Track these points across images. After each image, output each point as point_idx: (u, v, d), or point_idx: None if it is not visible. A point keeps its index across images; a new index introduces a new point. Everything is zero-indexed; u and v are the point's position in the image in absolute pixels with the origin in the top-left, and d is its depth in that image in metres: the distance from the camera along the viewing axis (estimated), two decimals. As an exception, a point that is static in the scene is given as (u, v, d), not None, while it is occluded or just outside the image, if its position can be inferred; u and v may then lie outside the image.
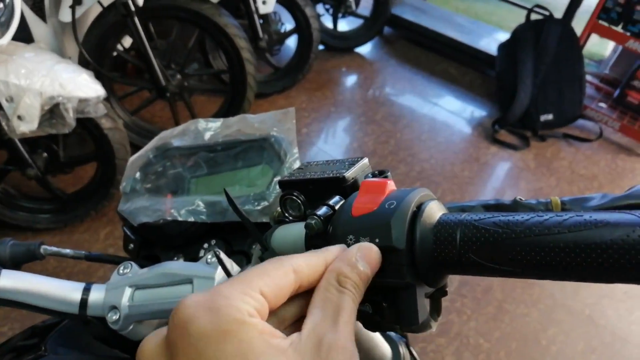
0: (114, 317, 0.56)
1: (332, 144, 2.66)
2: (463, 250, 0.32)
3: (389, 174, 0.42)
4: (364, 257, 0.33)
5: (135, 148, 2.20)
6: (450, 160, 2.65)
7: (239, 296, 0.28)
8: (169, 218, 0.64)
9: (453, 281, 2.09)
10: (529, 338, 1.94)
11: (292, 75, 2.82)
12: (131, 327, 0.56)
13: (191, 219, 0.63)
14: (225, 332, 0.26)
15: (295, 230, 0.41)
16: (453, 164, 2.63)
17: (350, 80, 3.20)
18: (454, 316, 1.97)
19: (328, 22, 3.33)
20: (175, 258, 0.70)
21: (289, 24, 2.80)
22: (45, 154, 1.87)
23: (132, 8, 1.88)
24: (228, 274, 0.51)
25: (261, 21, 2.52)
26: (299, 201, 0.43)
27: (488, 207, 0.49)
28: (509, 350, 1.88)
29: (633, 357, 1.91)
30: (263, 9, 2.42)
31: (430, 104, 3.06)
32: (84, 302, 0.58)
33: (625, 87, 3.07)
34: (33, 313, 0.60)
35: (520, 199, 0.48)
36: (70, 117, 1.68)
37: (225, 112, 2.31)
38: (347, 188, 0.41)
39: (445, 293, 0.39)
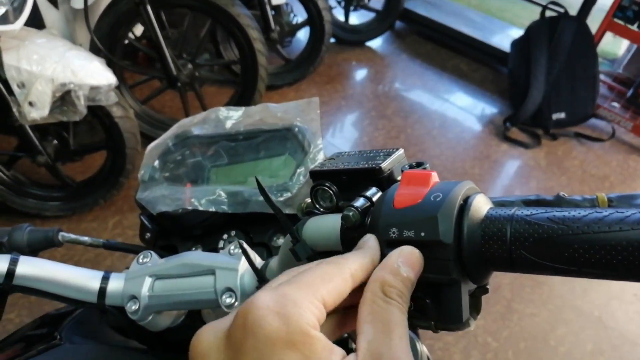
0: (134, 307, 0.54)
1: (341, 138, 2.64)
2: (514, 247, 0.31)
3: (427, 165, 0.40)
4: (406, 262, 0.32)
5: (145, 137, 2.20)
6: (460, 156, 2.63)
7: (307, 305, 0.28)
8: (189, 207, 0.62)
9: (462, 279, 2.07)
10: (537, 338, 1.92)
11: (303, 68, 2.80)
12: (150, 317, 0.55)
13: (212, 209, 0.61)
14: (292, 342, 0.26)
15: (330, 222, 0.40)
16: (463, 160, 2.61)
17: (361, 74, 3.17)
18: (462, 314, 1.96)
19: (340, 15, 3.30)
20: (194, 248, 0.68)
21: (300, 16, 2.77)
22: (55, 142, 1.86)
23: (145, -4, 1.86)
24: (253, 265, 0.50)
25: (273, 12, 2.50)
26: (331, 192, 0.42)
27: (529, 203, 0.48)
28: (517, 349, 1.87)
29: (642, 359, 1.90)
30: (275, 0, 2.40)
31: (441, 100, 3.03)
32: (102, 291, 0.57)
33: (638, 87, 3.04)
34: (41, 300, 0.59)
35: (564, 195, 0.46)
36: (82, 104, 1.67)
37: (235, 103, 2.30)
38: (383, 180, 0.40)
39: (486, 290, 0.37)
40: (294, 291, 0.28)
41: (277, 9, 2.59)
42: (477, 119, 2.95)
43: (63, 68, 1.64)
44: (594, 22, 2.86)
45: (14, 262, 0.54)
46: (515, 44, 2.97)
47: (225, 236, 0.66)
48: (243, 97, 2.28)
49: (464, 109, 3.00)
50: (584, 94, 2.83)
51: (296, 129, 0.63)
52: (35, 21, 1.97)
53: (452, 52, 3.42)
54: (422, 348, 0.76)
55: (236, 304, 0.51)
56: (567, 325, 1.98)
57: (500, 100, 3.09)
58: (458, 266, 0.32)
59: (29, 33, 1.67)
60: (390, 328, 0.29)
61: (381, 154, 0.42)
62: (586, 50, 2.79)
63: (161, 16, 2.09)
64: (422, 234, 0.32)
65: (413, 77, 3.19)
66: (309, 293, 0.29)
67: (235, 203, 0.61)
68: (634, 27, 2.74)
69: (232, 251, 0.54)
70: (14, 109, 1.60)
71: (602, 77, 3.24)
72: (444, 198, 0.32)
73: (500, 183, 2.56)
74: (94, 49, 2.03)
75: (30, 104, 1.61)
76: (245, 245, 0.51)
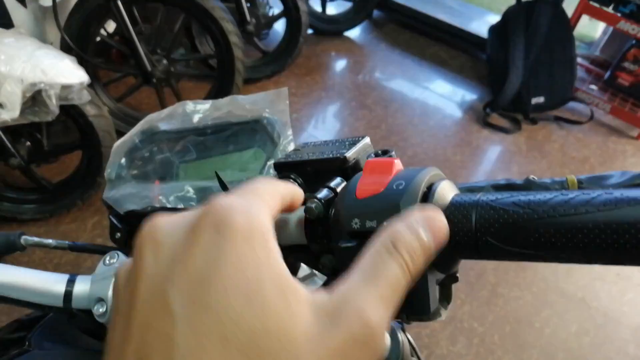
0: (101, 310, 0.52)
1: (322, 129, 2.62)
2: (480, 234, 0.30)
3: (393, 153, 0.39)
4: (428, 226, 0.28)
5: (121, 135, 2.15)
6: (442, 144, 2.64)
7: (265, 209, 0.28)
8: (157, 205, 0.60)
9: (446, 266, 2.08)
10: (522, 321, 1.94)
11: (281, 60, 2.77)
12: (119, 320, 0.53)
13: (180, 206, 0.60)
14: (252, 238, 0.25)
15: (294, 216, 0.38)
16: (445, 148, 2.62)
17: (340, 64, 3.16)
18: (448, 301, 1.97)
19: (317, 6, 3.27)
20: None
21: (277, 8, 2.74)
22: (28, 143, 1.82)
23: (115, -9, 1.82)
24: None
25: (248, 4, 2.46)
26: (297, 183, 0.40)
27: (499, 187, 0.47)
28: (503, 333, 1.88)
29: (625, 338, 1.92)
30: (250, -8, 2.37)
31: (421, 88, 3.03)
32: (68, 295, 0.55)
33: (615, 69, 3.06)
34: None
35: (534, 178, 0.45)
36: (53, 104, 1.63)
37: (213, 98, 2.25)
38: (348, 169, 0.39)
39: (456, 279, 0.36)
40: (250, 198, 0.28)
41: (252, 1, 2.56)
42: (457, 106, 2.95)
43: (32, 67, 1.59)
44: (570, 5, 2.87)
45: (-28, 269, 0.52)
46: (493, 29, 2.98)
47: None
48: (220, 92, 2.25)
49: (444, 96, 3.00)
50: (562, 78, 2.85)
51: (265, 121, 0.61)
52: (4, 20, 1.92)
53: (431, 40, 3.42)
54: (404, 337, 0.76)
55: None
56: (551, 307, 1.99)
57: (480, 87, 3.10)
58: None
59: (-5, 32, 1.63)
60: (379, 284, 0.25)
61: (346, 142, 0.41)
62: (563, 33, 2.80)
63: (133, 11, 2.04)
64: (385, 224, 0.31)
65: (392, 66, 3.18)
66: (260, 197, 0.28)
67: (204, 199, 0.59)
68: (609, 9, 2.75)
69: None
70: (-17, 111, 1.56)
71: (579, 60, 3.26)
72: (406, 186, 0.31)
73: (482, 169, 2.57)
74: (65, 47, 1.98)
75: (0, 105, 1.57)
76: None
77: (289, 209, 0.34)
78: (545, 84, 2.83)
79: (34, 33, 2.04)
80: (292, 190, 0.34)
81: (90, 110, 1.77)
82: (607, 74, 3.12)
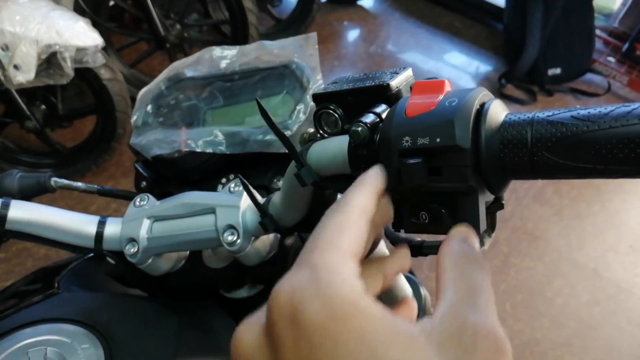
0: (132, 250, 0.53)
1: (335, 99, 2.61)
2: (536, 149, 0.29)
3: (440, 78, 0.38)
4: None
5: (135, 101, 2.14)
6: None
7: (344, 268, 0.24)
8: (185, 149, 0.60)
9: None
10: (534, 290, 1.94)
11: (294, 28, 2.73)
12: (150, 260, 0.54)
13: (209, 150, 0.59)
14: (343, 319, 0.21)
15: (336, 143, 0.38)
16: (459, 118, 2.59)
17: (354, 33, 3.11)
18: (460, 269, 1.97)
19: (330, -27, 3.22)
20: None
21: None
22: (43, 107, 1.82)
23: (129, -48, 1.79)
24: (254, 200, 0.48)
25: (262, -30, 2.43)
26: (336, 115, 0.40)
27: None
28: (515, 302, 1.89)
29: (637, 308, 1.92)
30: (264, -43, 2.33)
31: (434, 59, 2.99)
32: (99, 236, 0.55)
33: (634, 41, 3.00)
34: (39, 264, 0.57)
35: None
36: (68, 66, 1.62)
37: (226, 64, 2.25)
38: (391, 98, 0.38)
39: (502, 206, 0.36)
40: (318, 258, 0.24)
41: (266, -34, 2.52)
42: (471, 76, 2.91)
43: (47, 29, 1.58)
44: (590, -26, 2.80)
45: (4, 207, 0.52)
46: (510, -2, 2.92)
47: (223, 180, 0.64)
48: (234, 58, 2.23)
49: (458, 67, 2.96)
50: (580, 49, 2.80)
51: (294, 66, 0.60)
52: (16, -18, 1.89)
53: (446, 10, 3.35)
54: (426, 293, 0.76)
55: (238, 240, 0.49)
56: (563, 277, 2.00)
57: (495, 57, 3.05)
58: (476, 174, 0.30)
59: (10, -7, 1.61)
60: (478, 293, 0.25)
61: (388, 73, 0.40)
62: (582, 3, 2.74)
63: (147, -26, 2.01)
64: (438, 140, 0.30)
65: (406, 35, 3.13)
66: (334, 252, 0.25)
67: (233, 143, 0.59)
68: (631, -22, 2.68)
69: (232, 189, 0.52)
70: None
71: (597, 32, 3.19)
72: (459, 102, 0.31)
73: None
74: (79, 10, 1.96)
75: (15, 67, 1.56)
76: (246, 181, 0.50)
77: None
78: (562, 55, 2.78)
79: (47, -4, 2.02)
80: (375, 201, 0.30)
81: (104, 74, 1.77)
82: (625, 46, 3.05)
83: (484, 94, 0.32)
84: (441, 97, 0.32)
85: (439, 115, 0.30)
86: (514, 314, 1.85)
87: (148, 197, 0.56)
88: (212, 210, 0.51)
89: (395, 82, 0.38)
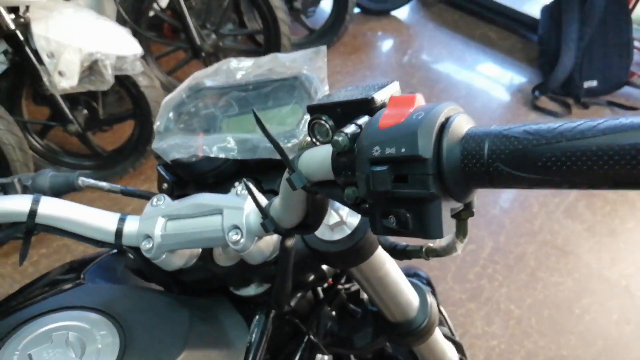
0: (148, 246, 0.57)
1: (366, 108, 2.63)
2: (491, 160, 0.32)
3: (419, 95, 0.41)
4: None
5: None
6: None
7: None
8: (201, 154, 0.65)
9: (485, 247, 2.07)
10: (561, 306, 1.91)
11: (327, 38, 2.78)
12: (164, 256, 0.58)
13: (222, 155, 0.64)
14: None
15: (323, 151, 0.41)
16: (490, 130, 2.57)
17: (386, 44, 3.14)
18: (485, 282, 1.96)
19: (365, -16, 3.26)
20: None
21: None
22: (85, 111, 1.92)
23: (169, -34, 1.88)
24: (257, 203, 0.52)
25: (297, -19, 2.49)
26: (327, 126, 0.43)
27: None
28: (541, 317, 1.86)
29: (670, 329, 1.86)
30: (299, -31, 2.39)
31: (467, 69, 2.98)
32: (119, 232, 0.60)
33: (677, 53, 2.91)
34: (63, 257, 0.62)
35: None
36: (109, 73, 1.71)
37: (259, 73, 2.31)
38: (375, 110, 0.41)
39: (471, 213, 0.38)
40: None
41: (300, -22, 2.58)
42: (504, 88, 2.89)
43: (90, 38, 1.68)
44: (630, -15, 2.74)
45: (35, 202, 0.58)
46: (546, 9, 2.88)
47: (236, 184, 0.68)
48: (266, 67, 2.29)
49: (492, 78, 2.94)
50: (617, 61, 2.74)
51: (303, 78, 0.64)
52: (64, -7, 2.02)
53: (481, 21, 3.34)
54: (433, 301, 0.78)
55: (242, 240, 0.53)
56: (592, 294, 1.95)
57: (530, 69, 3.02)
58: (437, 181, 0.33)
59: (57, 4, 1.71)
60: None
61: (376, 86, 0.43)
62: (620, 15, 2.68)
63: (185, -13, 2.10)
64: (403, 150, 0.33)
65: (439, 46, 3.13)
66: None
67: (244, 149, 0.63)
68: (673, -11, 2.61)
69: (239, 192, 0.56)
70: (45, 79, 1.66)
71: (636, 43, 3.11)
72: (425, 116, 0.33)
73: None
74: (120, 21, 2.07)
75: (60, 73, 1.66)
76: (250, 185, 0.53)
77: None
78: (598, 67, 2.72)
79: (91, 5, 2.13)
80: None
81: (142, 81, 1.85)
82: (667, 59, 2.97)
83: (450, 109, 0.35)
84: (411, 110, 0.35)
85: (405, 127, 0.33)
86: (540, 330, 1.82)
87: (164, 197, 0.60)
88: (219, 211, 0.55)
89: (378, 96, 0.41)
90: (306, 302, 0.77)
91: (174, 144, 0.67)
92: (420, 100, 0.37)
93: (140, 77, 1.84)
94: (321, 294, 0.79)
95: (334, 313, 0.82)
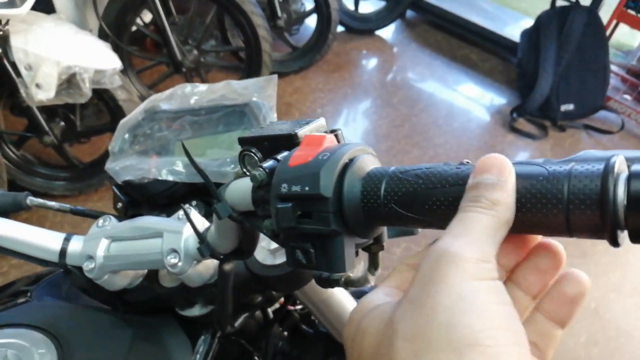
0: (90, 266, 0.58)
1: (345, 126, 2.66)
2: (386, 201, 0.33)
3: (339, 132, 0.43)
4: (484, 169, 0.31)
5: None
6: (464, 146, 2.63)
7: None
8: (151, 177, 0.66)
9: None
10: (531, 327, 1.93)
11: (310, 56, 2.82)
12: (106, 276, 0.59)
13: (171, 178, 0.65)
14: None
15: (246, 183, 0.43)
16: (467, 150, 2.61)
17: (369, 62, 3.18)
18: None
19: (350, 4, 3.30)
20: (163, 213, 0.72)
21: (309, 4, 2.79)
22: (62, 123, 1.93)
23: (150, -18, 1.91)
24: (195, 229, 0.53)
25: (280, 0, 2.52)
26: (256, 158, 0.45)
27: None
28: (510, 337, 1.88)
29: (637, 352, 1.89)
30: (282, -12, 2.43)
31: (448, 89, 3.03)
32: (63, 251, 0.61)
33: (652, 80, 2.98)
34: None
35: (467, 162, 0.48)
36: (87, 87, 1.72)
37: (240, 89, 2.33)
38: (298, 145, 0.43)
39: (381, 247, 0.40)
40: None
41: (284, -4, 2.62)
42: (484, 109, 2.93)
43: (69, 51, 1.69)
44: (607, 12, 2.81)
45: (-21, 222, 0.59)
46: (525, 33, 2.95)
47: (187, 206, 0.70)
48: (247, 83, 2.31)
49: (472, 98, 2.99)
50: (594, 86, 2.80)
51: (253, 105, 0.66)
52: (46, 6, 2.03)
53: (463, 42, 3.40)
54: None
55: (179, 263, 0.54)
56: (562, 315, 1.97)
57: (510, 91, 3.07)
58: (339, 219, 0.35)
59: (37, 17, 1.73)
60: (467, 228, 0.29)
61: (302, 122, 0.45)
62: (597, 41, 2.75)
63: (168, 3, 2.13)
64: (307, 188, 0.35)
65: (421, 66, 3.18)
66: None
67: (192, 173, 0.64)
68: (647, 18, 2.69)
69: (180, 216, 0.58)
70: (22, 91, 1.67)
71: (615, 68, 3.19)
72: (329, 157, 0.35)
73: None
74: (103, 35, 2.09)
75: (37, 85, 1.67)
76: (191, 211, 0.55)
77: None
78: (575, 91, 2.78)
79: (74, 19, 2.15)
80: None
81: (120, 95, 1.87)
82: (642, 84, 3.04)
83: (356, 150, 0.37)
84: (319, 150, 0.37)
85: (310, 167, 0.35)
86: (508, 350, 1.84)
87: (110, 218, 0.62)
88: (160, 234, 0.57)
89: (301, 132, 0.43)
90: (255, 322, 0.78)
91: (126, 165, 0.69)
92: (329, 140, 0.38)
93: (119, 91, 1.85)
94: (271, 315, 0.80)
95: (285, 333, 0.83)
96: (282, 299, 0.81)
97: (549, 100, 2.78)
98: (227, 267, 0.57)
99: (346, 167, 0.36)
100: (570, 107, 2.80)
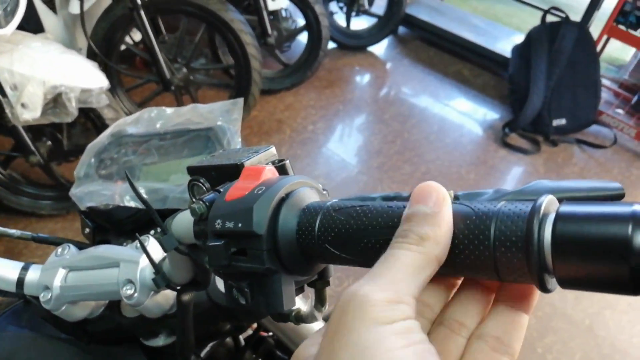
0: (47, 297, 0.57)
1: (337, 142, 2.65)
2: (320, 241, 0.32)
3: (286, 162, 0.42)
4: (419, 198, 0.29)
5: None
6: (457, 162, 2.62)
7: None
8: (114, 204, 0.65)
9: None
10: (524, 345, 1.89)
11: (301, 73, 2.82)
12: (64, 307, 0.57)
13: (133, 205, 0.64)
14: None
15: (189, 215, 0.41)
16: (459, 166, 2.60)
17: (361, 79, 3.19)
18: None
19: (341, 21, 3.32)
20: (125, 244, 0.71)
21: (301, 21, 2.80)
22: (49, 142, 1.92)
23: (138, 2, 1.91)
24: (150, 259, 0.52)
25: (271, 17, 2.53)
26: (204, 188, 0.43)
27: (388, 199, 0.48)
28: (502, 356, 1.85)
29: (632, 370, 1.86)
30: (272, 5, 2.43)
31: (440, 105, 3.02)
32: (20, 281, 0.59)
33: (644, 94, 2.99)
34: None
35: None
36: (73, 106, 1.71)
37: (230, 106, 2.33)
38: None
39: (327, 283, 0.38)
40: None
41: (274, 14, 2.62)
42: (476, 124, 2.93)
43: (55, 71, 1.69)
44: (598, 27, 2.82)
45: None
46: (516, 49, 2.95)
47: (152, 232, 0.68)
48: (237, 101, 2.31)
49: (464, 114, 2.99)
50: (586, 100, 2.80)
51: (217, 129, 0.65)
52: (34, 26, 2.03)
53: (455, 58, 3.41)
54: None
55: (135, 295, 0.53)
56: (556, 333, 1.95)
57: (502, 106, 3.07)
58: (274, 257, 0.33)
59: (24, 37, 1.73)
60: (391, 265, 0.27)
61: (251, 151, 0.44)
62: (587, 56, 2.75)
63: (158, 22, 2.13)
64: (240, 225, 0.33)
65: (414, 82, 3.18)
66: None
67: (155, 199, 0.63)
68: (637, 33, 2.69)
69: (137, 245, 0.56)
70: (7, 111, 1.66)
71: (607, 83, 3.19)
72: (264, 192, 0.34)
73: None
74: (91, 54, 2.09)
75: (23, 105, 1.66)
76: (149, 240, 0.53)
77: None
78: (567, 106, 2.78)
79: (63, 39, 2.15)
80: None
81: (107, 114, 1.86)
82: (634, 98, 3.04)
83: (295, 183, 0.35)
84: (257, 183, 0.35)
85: (245, 202, 0.34)
86: (501, 369, 1.81)
87: (69, 247, 0.60)
88: (117, 264, 0.55)
89: (248, 162, 0.41)
90: (225, 350, 0.76)
91: (90, 191, 0.68)
92: (269, 172, 0.37)
93: (106, 110, 1.84)
94: (242, 342, 0.78)
95: (259, 360, 0.81)
96: (254, 325, 0.79)
97: (541, 115, 2.77)
98: (186, 297, 0.55)
99: (282, 201, 0.34)
100: (562, 121, 2.80)
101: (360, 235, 0.30)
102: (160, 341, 0.65)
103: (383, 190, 2.36)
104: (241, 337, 0.79)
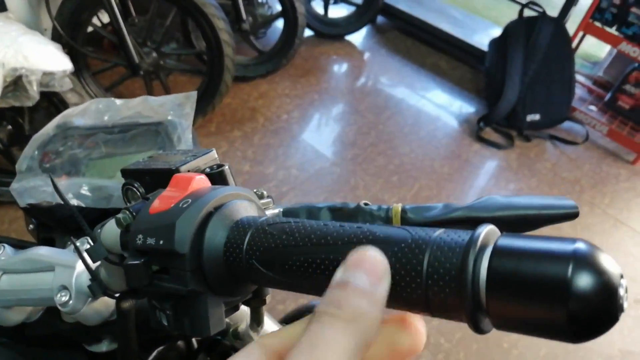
0: None
1: (311, 132, 2.62)
2: (248, 256, 0.29)
3: (225, 168, 0.39)
4: (353, 265, 0.24)
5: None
6: (430, 155, 2.62)
7: None
8: (56, 201, 0.61)
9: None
10: (490, 341, 1.92)
11: (276, 60, 2.77)
12: (-3, 312, 0.54)
13: (76, 203, 0.60)
14: None
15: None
16: (433, 159, 2.59)
17: (338, 68, 3.15)
18: (417, 313, 1.95)
19: (319, 8, 3.27)
20: (69, 243, 0.67)
21: (278, 7, 2.74)
22: (9, 127, 1.84)
23: (105, -19, 1.83)
24: (86, 265, 0.48)
25: (245, 2, 2.47)
26: (139, 193, 0.40)
27: (334, 210, 0.46)
28: (469, 351, 1.86)
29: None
30: (247, -9, 2.37)
31: (417, 97, 3.01)
32: None
33: (616, 91, 3.02)
34: None
35: (366, 204, 0.44)
36: (34, 90, 1.64)
37: (202, 93, 2.27)
38: None
39: (263, 302, 0.35)
40: None
41: (250, 0, 2.56)
42: (451, 117, 2.93)
43: (15, 52, 1.61)
44: (574, 24, 2.83)
45: None
46: (493, 42, 2.95)
47: (99, 230, 0.64)
48: (209, 88, 2.25)
49: (440, 106, 2.98)
50: (560, 96, 2.81)
51: (167, 124, 0.61)
52: (-2, 5, 1.94)
53: (433, 49, 3.40)
54: None
55: (70, 302, 0.49)
56: (522, 328, 1.97)
57: (478, 100, 3.07)
58: (199, 277, 0.30)
59: (-18, 16, 1.65)
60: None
61: (191, 154, 0.41)
62: (563, 52, 2.76)
63: (127, 3, 2.05)
64: (161, 242, 0.30)
65: (391, 72, 3.16)
66: None
67: (98, 198, 0.59)
68: (612, 30, 2.71)
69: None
70: (-37, 93, 1.58)
71: (581, 79, 3.22)
72: (190, 205, 0.31)
73: (469, 183, 2.55)
74: (56, 35, 2.00)
75: (-20, 87, 1.58)
76: (84, 242, 0.50)
77: None
78: (541, 102, 2.79)
79: (27, 19, 2.06)
80: None
81: (71, 98, 1.79)
82: (608, 96, 3.08)
83: (228, 195, 0.32)
84: (184, 194, 0.32)
85: (168, 216, 0.31)
86: (468, 363, 1.82)
87: (4, 247, 0.56)
88: (52, 268, 0.51)
89: (185, 167, 0.38)
90: (176, 353, 0.73)
91: (32, 186, 0.63)
92: (200, 182, 0.34)
93: (69, 94, 1.77)
94: (195, 345, 0.75)
95: (214, 363, 0.78)
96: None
97: (516, 110, 2.78)
98: (126, 304, 0.52)
99: (210, 216, 0.31)
100: (536, 117, 2.81)
101: (289, 252, 0.27)
102: (103, 347, 0.61)
103: (356, 183, 2.34)
104: (194, 340, 0.75)
